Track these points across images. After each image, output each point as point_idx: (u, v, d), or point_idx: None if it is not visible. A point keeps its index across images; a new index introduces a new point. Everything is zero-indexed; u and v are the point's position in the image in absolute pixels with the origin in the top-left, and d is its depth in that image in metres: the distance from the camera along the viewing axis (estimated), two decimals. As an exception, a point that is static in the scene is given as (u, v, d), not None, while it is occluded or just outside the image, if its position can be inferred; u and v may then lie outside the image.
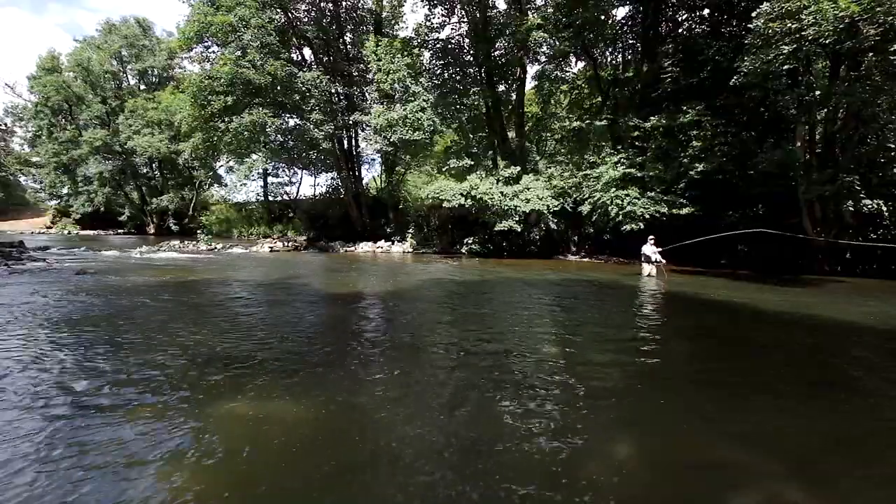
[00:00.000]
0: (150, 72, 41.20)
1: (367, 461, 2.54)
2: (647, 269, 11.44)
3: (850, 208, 12.25)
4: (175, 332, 5.21)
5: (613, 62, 20.69)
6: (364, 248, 21.71)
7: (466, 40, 20.42)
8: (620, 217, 14.76)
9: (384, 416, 3.11)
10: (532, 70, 20.93)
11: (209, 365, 4.05)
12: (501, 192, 16.88)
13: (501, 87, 21.62)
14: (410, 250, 21.07)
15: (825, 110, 12.40)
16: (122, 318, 5.86)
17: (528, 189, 17.02)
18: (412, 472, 2.45)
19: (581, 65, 20.97)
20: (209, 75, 20.36)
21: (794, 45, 10.43)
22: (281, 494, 2.23)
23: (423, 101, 18.71)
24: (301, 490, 2.28)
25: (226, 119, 20.83)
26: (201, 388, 3.50)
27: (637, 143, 16.27)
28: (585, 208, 16.31)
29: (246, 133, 20.66)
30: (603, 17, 17.10)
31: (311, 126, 20.81)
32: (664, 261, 11.48)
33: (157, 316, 6.08)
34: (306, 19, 23.54)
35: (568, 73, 20.38)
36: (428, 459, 2.57)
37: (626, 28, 18.83)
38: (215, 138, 22.43)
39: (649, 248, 11.48)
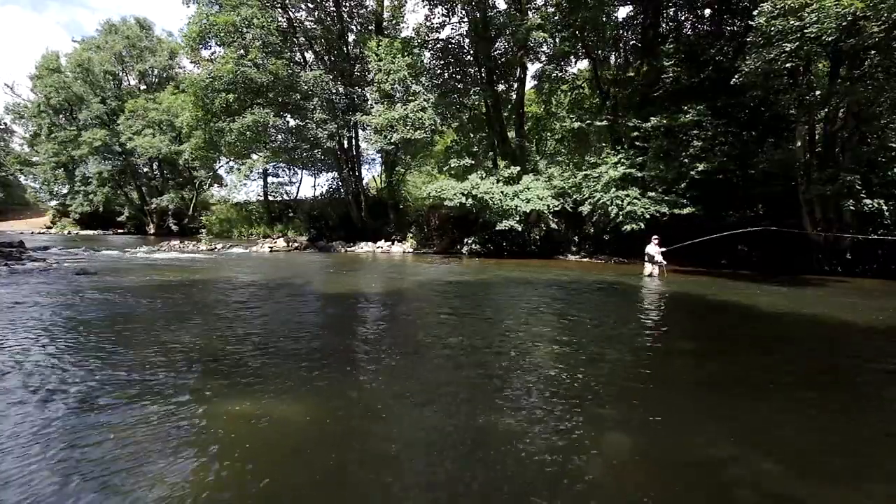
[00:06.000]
0: (150, 72, 41.21)
1: (367, 461, 2.53)
2: (649, 268, 11.39)
3: (851, 208, 12.23)
4: (175, 332, 5.19)
5: (614, 62, 20.66)
6: (364, 248, 21.69)
7: (466, 40, 20.40)
8: (621, 217, 14.74)
9: (384, 416, 3.10)
10: (532, 70, 20.95)
11: (210, 365, 4.03)
12: (502, 192, 16.86)
13: (501, 87, 21.61)
14: (411, 250, 21.06)
15: (825, 110, 12.37)
16: (122, 318, 5.84)
17: (529, 189, 17.00)
18: (412, 471, 2.44)
19: (581, 65, 20.98)
20: (211, 75, 20.40)
21: (796, 44, 10.41)
22: (282, 494, 2.22)
23: (424, 100, 18.70)
24: (302, 489, 2.26)
25: (228, 119, 20.88)
26: (202, 388, 3.48)
27: (637, 143, 16.24)
28: (586, 208, 16.29)
29: (248, 133, 20.70)
30: (604, 18, 17.07)
31: (314, 126, 20.81)
32: (664, 262, 11.42)
33: (158, 316, 6.07)
34: (309, 20, 23.56)
35: (568, 73, 20.36)
36: (428, 459, 2.56)
37: (626, 28, 18.81)
38: (217, 138, 22.53)
39: (653, 248, 11.43)
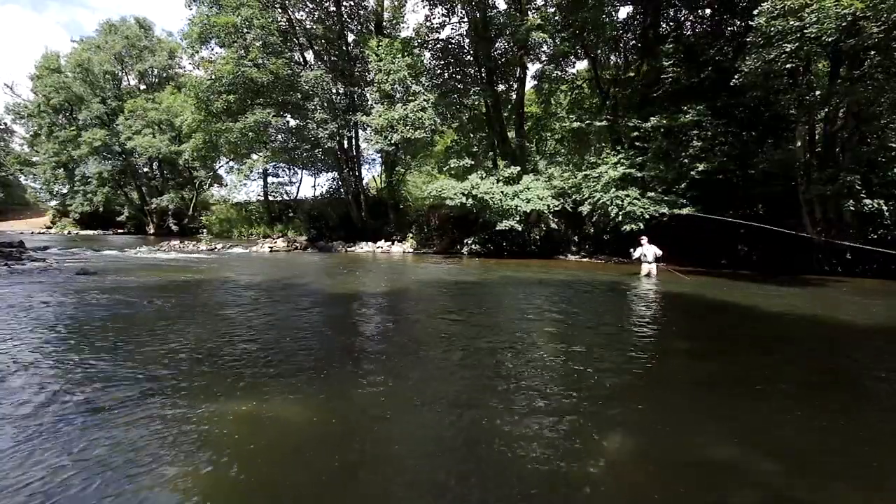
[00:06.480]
0: (150, 72, 41.21)
1: (367, 461, 2.53)
2: (646, 268, 11.43)
3: (851, 208, 12.23)
4: (176, 332, 5.20)
5: (614, 62, 20.67)
6: (364, 248, 21.70)
7: (466, 40, 20.41)
8: (620, 217, 14.74)
9: (385, 416, 3.10)
10: (532, 70, 20.95)
11: (210, 365, 4.04)
12: (502, 192, 16.86)
13: (501, 87, 21.60)
14: (411, 250, 21.06)
15: (826, 110, 12.37)
16: (123, 318, 5.85)
17: (529, 189, 17.00)
18: (412, 472, 2.44)
19: (581, 65, 20.98)
20: (212, 76, 20.44)
21: (796, 44, 10.40)
22: (282, 493, 2.22)
23: (424, 100, 18.71)
24: (302, 489, 2.27)
25: (229, 120, 20.93)
26: (203, 388, 3.49)
27: (637, 144, 16.25)
28: (585, 208, 16.28)
29: (251, 133, 20.76)
30: (604, 18, 17.07)
31: (314, 125, 20.83)
32: (660, 252, 11.43)
33: (159, 316, 6.07)
34: (309, 20, 23.58)
35: (568, 74, 20.37)
36: (428, 459, 2.56)
37: (626, 28, 18.81)
38: (219, 139, 22.58)
39: (647, 248, 11.46)
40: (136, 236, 35.76)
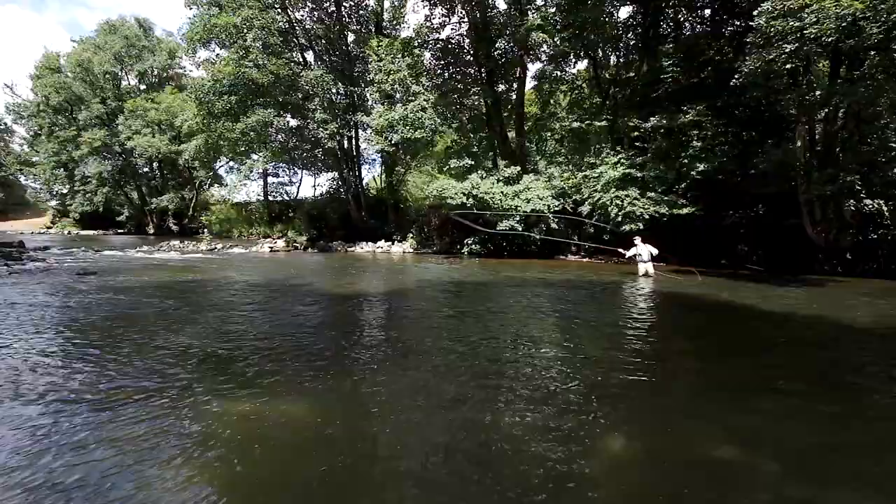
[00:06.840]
0: (150, 72, 41.20)
1: (369, 460, 2.53)
2: (643, 268, 11.46)
3: (851, 208, 12.22)
4: (178, 332, 5.20)
5: (614, 62, 20.68)
6: (364, 248, 21.70)
7: (467, 40, 20.41)
8: (620, 217, 14.75)
9: (384, 417, 3.11)
10: (532, 70, 20.95)
11: (211, 365, 4.04)
12: (502, 192, 16.86)
13: (501, 87, 21.60)
14: (411, 250, 21.06)
15: (826, 110, 12.37)
16: (124, 318, 5.85)
17: (529, 189, 17.01)
18: (414, 471, 2.44)
19: (581, 65, 20.99)
20: (213, 78, 20.47)
21: (796, 44, 10.40)
22: (283, 492, 2.23)
23: (424, 100, 18.71)
24: (304, 488, 2.27)
25: (230, 122, 20.94)
26: (203, 389, 3.49)
27: (637, 144, 16.24)
28: (585, 209, 16.29)
29: (252, 134, 20.78)
30: (605, 18, 17.06)
31: (315, 125, 20.84)
32: (640, 258, 11.46)
33: (159, 316, 6.08)
34: (309, 20, 23.58)
35: (568, 73, 20.36)
36: (428, 460, 2.56)
37: (626, 28, 18.81)
38: (220, 139, 22.60)
39: (641, 248, 11.50)
40: (136, 236, 35.77)
